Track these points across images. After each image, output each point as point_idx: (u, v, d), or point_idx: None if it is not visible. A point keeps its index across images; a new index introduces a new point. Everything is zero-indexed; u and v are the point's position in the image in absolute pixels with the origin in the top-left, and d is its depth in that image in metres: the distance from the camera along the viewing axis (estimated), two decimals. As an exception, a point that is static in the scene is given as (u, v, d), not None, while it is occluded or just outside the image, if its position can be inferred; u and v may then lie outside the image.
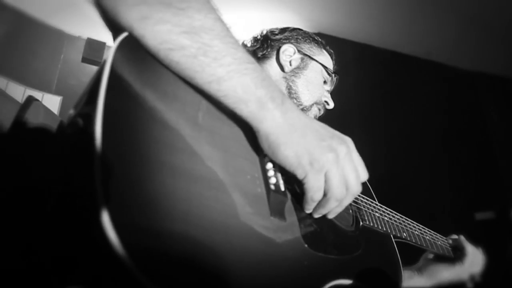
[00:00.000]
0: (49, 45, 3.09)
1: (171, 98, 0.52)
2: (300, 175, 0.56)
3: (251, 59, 0.56)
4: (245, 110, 0.54)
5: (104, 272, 0.40)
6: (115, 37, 0.51)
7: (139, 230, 0.39)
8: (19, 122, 0.88)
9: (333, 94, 1.10)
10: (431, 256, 1.06)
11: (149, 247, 0.39)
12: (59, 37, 3.13)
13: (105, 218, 0.36)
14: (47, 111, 1.02)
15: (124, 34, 0.50)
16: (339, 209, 0.61)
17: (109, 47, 3.08)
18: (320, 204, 0.59)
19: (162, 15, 0.50)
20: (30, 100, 0.96)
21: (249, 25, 1.75)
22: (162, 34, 0.50)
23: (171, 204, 0.43)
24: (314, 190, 0.56)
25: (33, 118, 0.93)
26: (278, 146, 0.55)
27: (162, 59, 0.52)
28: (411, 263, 1.04)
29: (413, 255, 1.05)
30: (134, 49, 0.51)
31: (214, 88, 0.53)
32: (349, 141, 0.59)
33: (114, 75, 0.45)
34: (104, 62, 0.46)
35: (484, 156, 2.86)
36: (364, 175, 0.60)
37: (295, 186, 0.64)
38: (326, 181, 0.56)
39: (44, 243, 0.46)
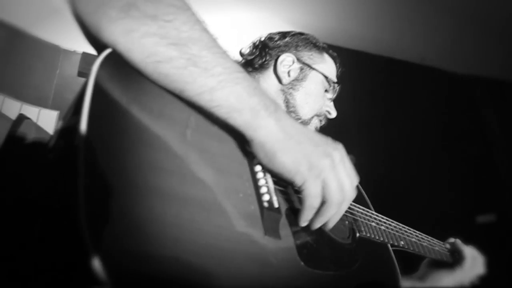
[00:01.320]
0: (44, 60, 3.10)
1: (158, 116, 0.50)
2: (298, 181, 0.55)
3: (240, 68, 0.56)
4: (239, 119, 0.53)
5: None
6: (99, 54, 0.50)
7: (127, 256, 0.38)
8: (11, 139, 0.87)
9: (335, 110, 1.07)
10: (430, 262, 1.04)
11: (138, 273, 0.38)
12: (54, 52, 3.14)
13: (90, 245, 0.35)
14: (38, 128, 1.01)
15: (107, 51, 0.49)
16: (337, 217, 0.60)
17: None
18: (319, 213, 0.58)
19: (148, 28, 0.49)
20: (21, 118, 0.95)
21: (243, 32, 1.76)
22: (149, 47, 0.49)
23: (160, 230, 0.42)
24: (313, 196, 0.55)
25: (24, 135, 0.92)
26: (274, 154, 0.54)
27: (149, 74, 0.51)
28: (411, 271, 1.03)
29: (413, 263, 1.04)
30: (118, 65, 0.49)
31: (205, 99, 0.52)
32: (340, 147, 0.60)
33: (97, 94, 0.44)
34: (87, 79, 0.45)
35: (484, 159, 2.85)
36: (356, 180, 0.61)
37: (291, 199, 0.63)
38: (324, 187, 0.56)
39: (30, 266, 0.44)
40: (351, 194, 0.59)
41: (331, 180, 0.55)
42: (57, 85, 3.07)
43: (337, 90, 1.06)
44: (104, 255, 0.35)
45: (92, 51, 0.55)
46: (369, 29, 2.85)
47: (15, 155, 0.86)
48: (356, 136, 2.51)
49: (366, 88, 2.80)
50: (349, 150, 0.63)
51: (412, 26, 2.79)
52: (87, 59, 3.06)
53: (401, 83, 2.93)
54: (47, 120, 2.94)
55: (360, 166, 0.94)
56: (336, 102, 1.14)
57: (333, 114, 1.03)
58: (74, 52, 3.14)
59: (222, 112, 0.53)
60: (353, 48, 2.96)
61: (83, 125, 0.40)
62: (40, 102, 2.98)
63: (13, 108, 2.78)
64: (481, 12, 2.59)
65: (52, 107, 3.00)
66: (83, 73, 3.07)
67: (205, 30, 0.54)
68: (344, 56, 2.92)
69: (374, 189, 0.91)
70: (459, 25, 2.72)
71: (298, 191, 0.57)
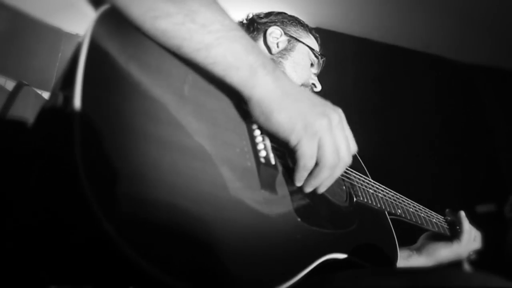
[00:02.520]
0: (47, 43, 3.10)
1: (156, 71, 0.51)
2: (293, 141, 0.54)
3: (238, 27, 0.55)
4: (236, 77, 0.53)
5: (88, 244, 0.39)
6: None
7: (123, 200, 0.38)
8: (8, 107, 0.87)
9: (331, 87, 1.09)
10: (429, 235, 1.05)
11: (134, 217, 0.38)
12: (56, 35, 3.13)
13: (88, 188, 0.35)
14: (37, 95, 1.01)
15: (105, 6, 0.49)
16: (330, 181, 0.59)
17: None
18: (312, 174, 0.57)
19: None
20: (20, 85, 0.95)
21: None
22: (147, 2, 0.49)
23: (156, 174, 0.42)
24: (307, 156, 0.54)
25: (22, 103, 0.92)
26: (271, 112, 0.53)
27: (147, 29, 0.51)
28: (409, 244, 1.03)
29: (412, 236, 1.04)
30: (115, 21, 0.49)
31: (202, 56, 0.51)
32: (340, 111, 0.58)
33: (94, 48, 0.44)
34: (84, 33, 0.45)
35: (485, 148, 2.84)
36: (354, 146, 0.59)
37: (287, 159, 0.62)
38: (319, 149, 0.55)
39: (29, 217, 0.45)
40: (347, 158, 0.57)
41: (326, 142, 0.54)
42: (59, 68, 3.06)
43: (322, 65, 1.08)
44: (102, 197, 0.36)
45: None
46: (373, 17, 2.82)
47: (14, 121, 0.86)
48: (358, 123, 2.50)
49: (369, 74, 2.79)
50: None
51: (417, 13, 2.76)
52: (89, 42, 3.05)
53: (403, 72, 2.91)
54: (49, 104, 2.94)
55: (362, 153, 0.95)
56: (338, 88, 1.14)
57: (318, 87, 1.05)
58: (76, 35, 3.13)
59: (219, 69, 0.53)
60: (356, 35, 2.94)
61: (80, 75, 0.41)
62: (42, 85, 2.97)
63: (15, 90, 2.78)
64: (486, 0, 2.56)
65: (54, 90, 3.01)
66: (85, 56, 3.07)
67: None
68: (348, 43, 2.90)
69: (374, 176, 0.91)
70: (464, 13, 2.69)
71: (293, 152, 0.56)
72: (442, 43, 2.95)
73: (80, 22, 3.03)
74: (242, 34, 0.54)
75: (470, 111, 2.94)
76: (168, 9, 0.49)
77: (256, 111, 0.55)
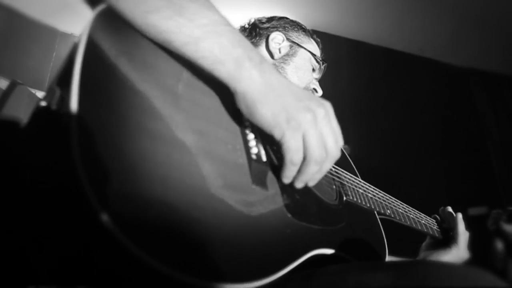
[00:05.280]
0: (41, 43, 3.08)
1: (150, 68, 0.52)
2: (277, 134, 0.54)
3: (227, 21, 0.56)
4: (223, 70, 0.53)
5: (84, 237, 0.40)
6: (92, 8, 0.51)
7: (118, 193, 0.39)
8: (1, 106, 0.87)
9: (326, 90, 1.10)
10: (427, 245, 1.04)
11: (129, 209, 0.39)
12: (51, 35, 3.12)
13: (85, 183, 0.36)
14: (31, 95, 1.01)
15: (102, 6, 0.50)
16: (319, 175, 0.58)
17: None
18: (300, 170, 0.57)
19: None
20: (14, 84, 0.95)
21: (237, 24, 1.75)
22: None
23: (149, 167, 0.43)
24: (292, 150, 0.54)
25: (16, 102, 0.92)
26: (254, 105, 0.54)
27: (139, 25, 0.52)
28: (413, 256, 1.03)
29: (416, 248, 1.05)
30: (112, 20, 0.51)
31: (191, 49, 0.52)
32: (328, 105, 0.58)
33: (91, 45, 0.45)
34: (82, 32, 0.46)
35: (478, 151, 2.87)
36: (341, 139, 0.58)
37: (272, 156, 0.63)
38: (304, 142, 0.54)
39: (25, 216, 0.45)
40: (335, 152, 0.57)
41: (311, 135, 0.54)
42: (54, 68, 3.05)
43: (323, 70, 1.08)
44: (97, 189, 0.36)
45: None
46: (368, 20, 2.85)
47: (7, 120, 0.86)
48: (353, 127, 2.51)
49: (363, 77, 2.81)
50: (346, 141, 0.61)
51: (412, 17, 2.79)
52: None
53: (398, 75, 2.94)
54: (43, 103, 2.92)
55: (356, 156, 0.96)
56: (334, 91, 1.15)
57: (320, 92, 1.06)
58: (71, 35, 3.12)
59: (207, 63, 0.53)
60: (352, 38, 2.96)
61: (77, 68, 0.42)
62: (36, 84, 2.95)
63: (8, 89, 2.76)
64: (480, 5, 2.59)
65: (48, 90, 2.99)
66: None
67: None
68: (343, 46, 2.92)
69: (368, 179, 0.91)
70: (458, 17, 2.72)
71: (279, 147, 0.55)
72: (437, 47, 2.98)
73: (75, 22, 3.02)
74: (229, 28, 0.55)
75: (464, 114, 2.96)
76: (157, 4, 0.51)
77: (242, 105, 0.55)
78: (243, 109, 0.56)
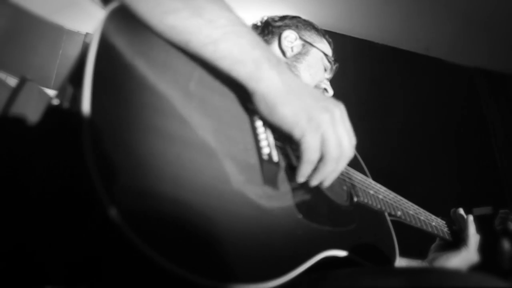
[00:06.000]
0: (48, 40, 3.09)
1: (162, 67, 0.52)
2: (297, 134, 0.55)
3: (244, 22, 0.56)
4: (242, 71, 0.54)
5: (94, 235, 0.40)
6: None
7: (129, 191, 0.39)
8: (11, 103, 0.87)
9: (332, 88, 1.10)
10: (437, 246, 1.03)
11: (139, 206, 0.39)
12: (58, 32, 3.13)
13: (96, 180, 0.36)
14: (41, 92, 1.01)
15: (115, 4, 0.50)
16: (335, 174, 0.60)
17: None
18: (317, 168, 0.58)
19: None
20: (24, 80, 0.95)
21: (248, 22, 1.75)
22: None
23: (161, 166, 0.43)
24: (311, 149, 0.55)
25: (25, 99, 0.92)
26: (275, 106, 0.54)
27: (155, 25, 0.52)
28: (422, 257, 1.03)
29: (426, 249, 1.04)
30: (124, 19, 0.51)
31: (210, 50, 0.52)
32: (341, 106, 0.59)
33: (104, 44, 0.45)
34: (94, 31, 0.46)
35: (483, 151, 2.85)
36: (354, 139, 0.60)
37: (290, 156, 0.63)
38: (322, 142, 0.56)
39: (34, 215, 0.45)
40: (349, 151, 0.58)
41: (329, 135, 0.55)
42: (60, 65, 3.06)
43: (335, 70, 1.09)
44: (109, 188, 0.37)
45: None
46: (374, 19, 2.84)
47: (17, 117, 0.86)
48: (358, 126, 2.50)
49: (369, 76, 2.80)
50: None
51: (417, 16, 2.77)
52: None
53: (403, 74, 2.92)
54: (49, 100, 2.94)
55: (361, 156, 0.96)
56: (339, 89, 1.16)
57: (330, 92, 1.06)
58: (77, 33, 3.13)
59: (226, 64, 0.54)
60: (358, 37, 2.95)
61: (90, 67, 0.42)
62: (43, 82, 2.97)
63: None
64: (486, 4, 2.57)
65: (54, 87, 2.99)
66: (86, 54, 3.06)
67: None
68: (349, 45, 2.91)
69: (374, 178, 0.91)
70: (464, 17, 2.70)
71: (296, 148, 0.57)
72: (443, 46, 2.97)
73: (82, 20, 3.03)
74: (247, 29, 0.56)
75: (469, 114, 2.95)
76: (175, 5, 0.51)
77: (261, 105, 0.56)
78: (263, 109, 0.56)
